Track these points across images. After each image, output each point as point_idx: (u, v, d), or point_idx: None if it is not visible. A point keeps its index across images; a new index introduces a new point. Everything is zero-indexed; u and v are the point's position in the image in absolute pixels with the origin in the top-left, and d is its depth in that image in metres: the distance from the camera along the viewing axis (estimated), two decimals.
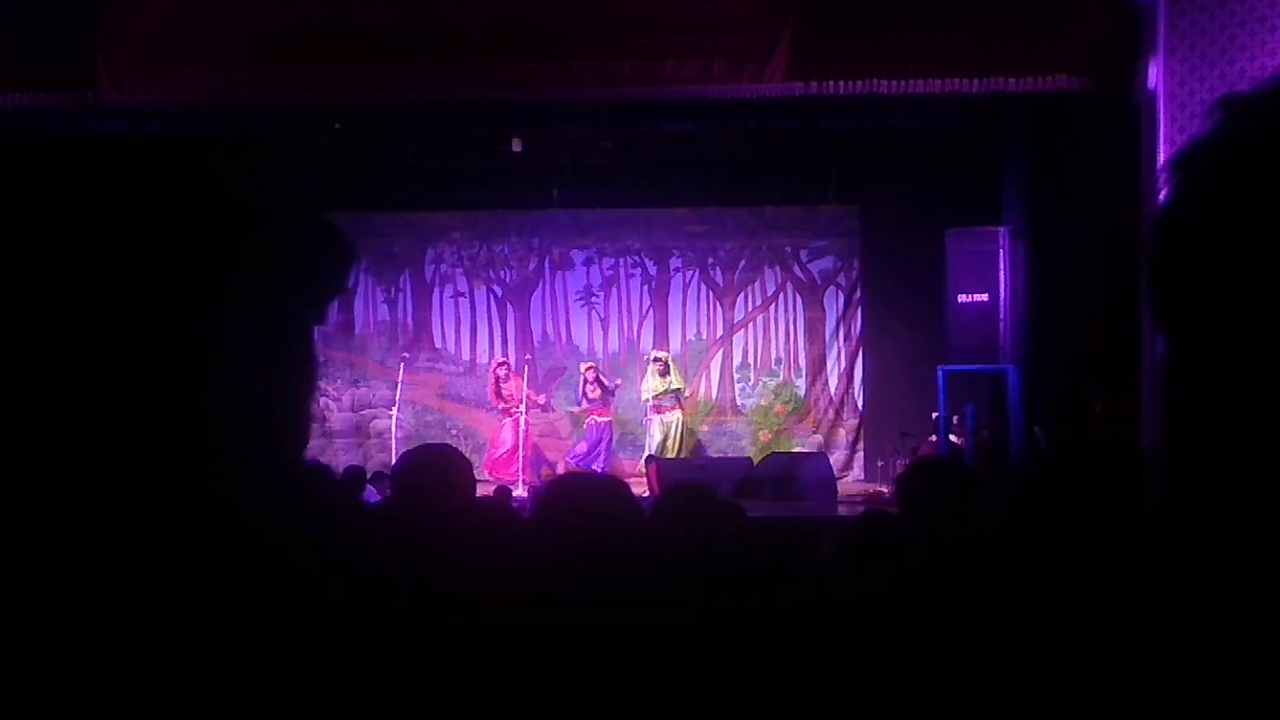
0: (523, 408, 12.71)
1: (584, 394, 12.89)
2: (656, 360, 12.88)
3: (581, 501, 2.16)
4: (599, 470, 12.13)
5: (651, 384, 12.79)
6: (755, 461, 11.82)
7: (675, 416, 12.72)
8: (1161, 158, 8.16)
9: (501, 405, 13.00)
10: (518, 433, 12.63)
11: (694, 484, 4.54)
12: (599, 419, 12.79)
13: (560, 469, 12.44)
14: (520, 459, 12.46)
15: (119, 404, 0.68)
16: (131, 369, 0.68)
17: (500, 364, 13.26)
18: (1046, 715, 1.80)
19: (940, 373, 10.33)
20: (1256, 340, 0.54)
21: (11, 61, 9.51)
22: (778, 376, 13.81)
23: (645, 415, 12.90)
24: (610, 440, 12.79)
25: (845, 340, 13.64)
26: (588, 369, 12.99)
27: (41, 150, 0.73)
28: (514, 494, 10.49)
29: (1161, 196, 0.60)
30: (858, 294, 13.52)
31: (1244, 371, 0.55)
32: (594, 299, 13.98)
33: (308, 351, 0.78)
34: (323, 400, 13.61)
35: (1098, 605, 1.82)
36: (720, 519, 2.33)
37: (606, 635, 1.80)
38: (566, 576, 1.90)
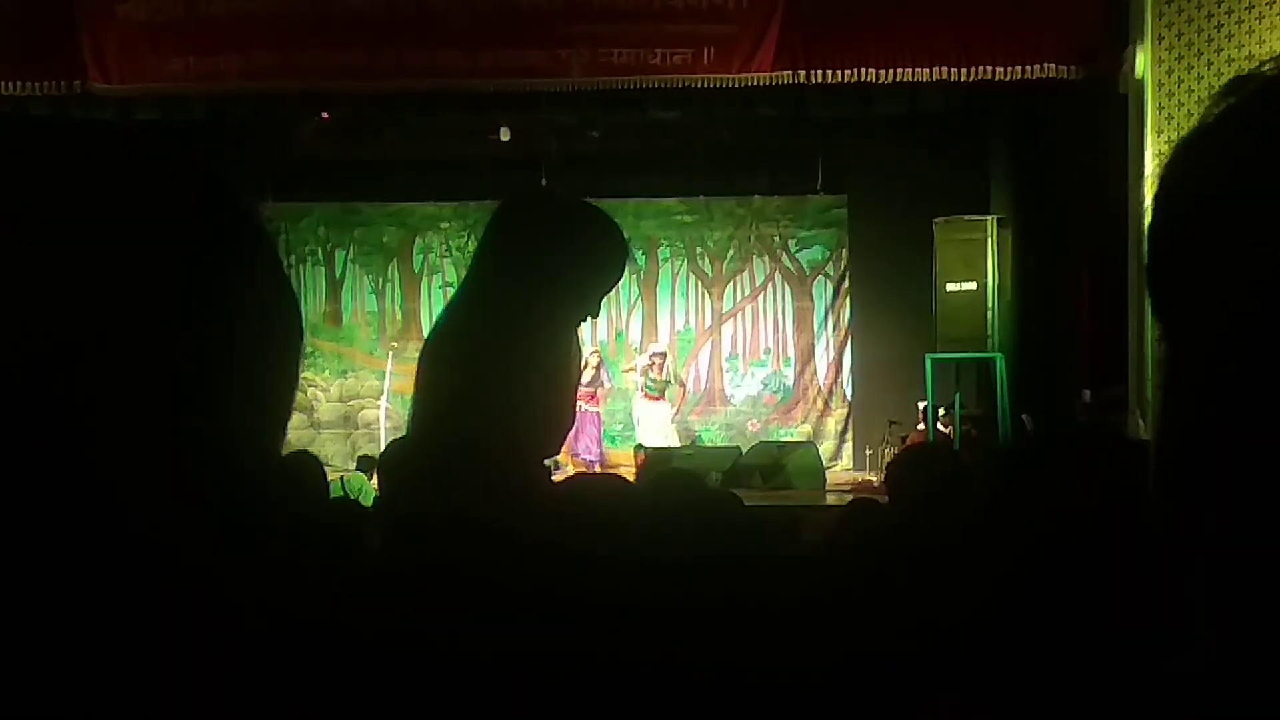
0: None
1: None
2: (656, 355, 12.88)
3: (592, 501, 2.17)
4: (589, 459, 12.21)
5: (646, 376, 12.81)
6: (744, 451, 11.83)
7: (663, 407, 12.72)
8: (1149, 146, 8.18)
9: None
10: None
11: (682, 471, 4.55)
12: (586, 406, 12.81)
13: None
14: None
15: (94, 394, 0.67)
16: (109, 355, 0.67)
17: None
18: (1038, 702, 1.81)
19: (928, 361, 10.35)
20: (1260, 330, 0.54)
21: None
22: (766, 366, 13.83)
23: (634, 404, 12.90)
24: (599, 430, 12.82)
25: (834, 329, 13.66)
26: (592, 354, 13.00)
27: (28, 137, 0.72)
28: None
29: (1165, 183, 0.60)
30: (846, 283, 13.54)
31: (1246, 361, 0.55)
32: None
33: (291, 333, 0.77)
34: (310, 391, 13.59)
35: (1087, 595, 1.83)
36: (712, 507, 2.34)
37: (604, 624, 1.80)
38: (561, 566, 1.90)
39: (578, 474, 10.66)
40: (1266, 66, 0.58)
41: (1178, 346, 0.60)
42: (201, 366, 0.69)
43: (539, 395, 2.34)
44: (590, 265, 2.45)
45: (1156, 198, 0.61)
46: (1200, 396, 0.58)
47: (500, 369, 2.30)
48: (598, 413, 12.80)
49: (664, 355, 12.84)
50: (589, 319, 2.59)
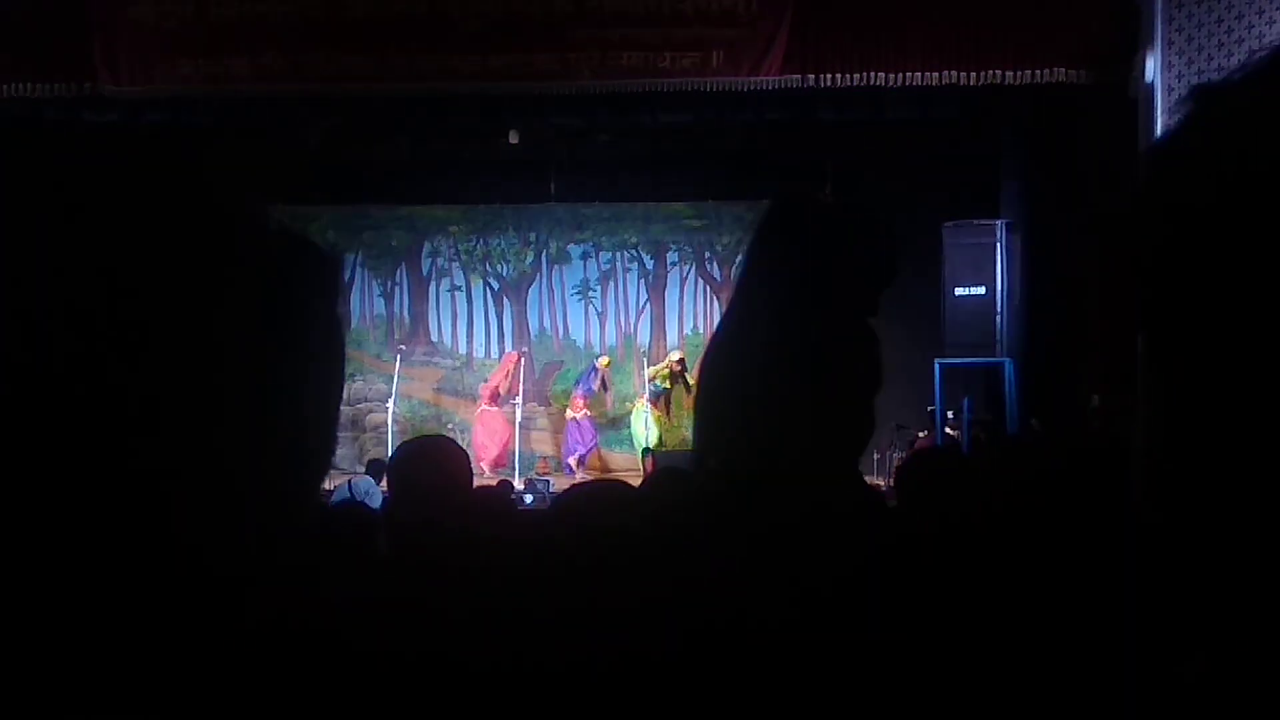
0: (519, 399, 12.73)
1: (593, 386, 13.00)
2: (679, 362, 12.93)
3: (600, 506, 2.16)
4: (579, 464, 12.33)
5: (660, 379, 12.87)
6: None
7: (659, 413, 12.78)
8: None
9: (497, 397, 12.99)
10: (510, 426, 12.65)
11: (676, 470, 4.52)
12: (576, 413, 12.92)
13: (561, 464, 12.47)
14: (515, 453, 12.50)
15: (133, 416, 0.67)
16: (152, 376, 0.67)
17: (517, 358, 13.22)
18: (1037, 703, 1.80)
19: (937, 366, 10.32)
20: (1227, 333, 0.54)
21: (7, 51, 9.49)
22: None
23: (636, 405, 12.92)
24: (594, 435, 12.94)
25: None
26: (606, 366, 13.07)
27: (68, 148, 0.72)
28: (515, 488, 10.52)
29: (1137, 195, 0.60)
30: None
31: (1215, 363, 0.55)
32: (591, 293, 13.98)
33: (334, 358, 0.78)
34: None
35: (1084, 597, 1.83)
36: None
37: (609, 624, 1.80)
38: (571, 565, 1.90)
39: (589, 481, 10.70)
40: (1234, 75, 0.58)
41: (1161, 355, 0.60)
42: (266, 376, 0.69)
43: (838, 399, 2.32)
44: (861, 267, 2.37)
45: (1133, 212, 0.61)
46: (1184, 404, 0.58)
47: (790, 377, 2.27)
48: (590, 417, 12.97)
49: (682, 363, 12.91)
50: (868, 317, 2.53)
